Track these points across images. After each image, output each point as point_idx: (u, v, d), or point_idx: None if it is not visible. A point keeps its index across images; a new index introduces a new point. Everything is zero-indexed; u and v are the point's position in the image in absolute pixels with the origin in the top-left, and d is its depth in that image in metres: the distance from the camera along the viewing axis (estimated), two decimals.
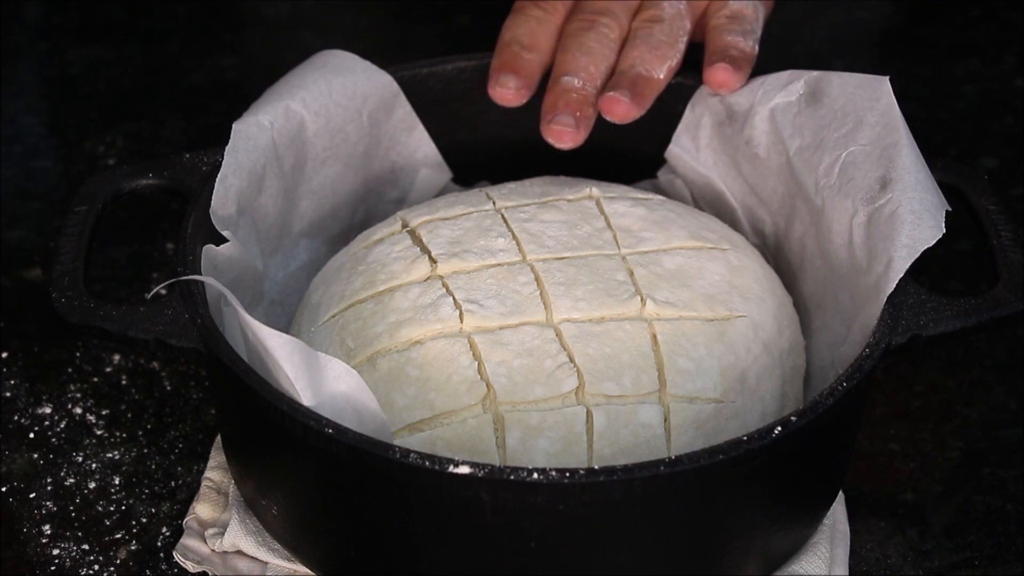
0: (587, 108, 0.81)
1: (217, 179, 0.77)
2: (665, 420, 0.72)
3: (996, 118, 1.10)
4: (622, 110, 0.81)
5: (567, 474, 0.64)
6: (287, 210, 0.83)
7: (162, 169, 0.81)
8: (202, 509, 0.78)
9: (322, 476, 0.69)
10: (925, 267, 0.75)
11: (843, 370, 0.70)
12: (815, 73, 0.81)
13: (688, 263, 0.78)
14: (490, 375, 0.71)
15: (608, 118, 0.81)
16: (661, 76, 0.83)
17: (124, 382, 0.88)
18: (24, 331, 0.90)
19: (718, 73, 0.82)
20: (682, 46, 0.84)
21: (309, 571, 0.75)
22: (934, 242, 0.73)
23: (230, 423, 0.76)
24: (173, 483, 0.82)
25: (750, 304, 0.77)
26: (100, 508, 0.80)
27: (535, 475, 0.64)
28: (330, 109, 0.83)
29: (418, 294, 0.75)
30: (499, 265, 0.77)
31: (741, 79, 0.82)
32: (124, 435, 0.84)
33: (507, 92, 0.83)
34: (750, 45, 0.83)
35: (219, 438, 0.81)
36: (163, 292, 0.86)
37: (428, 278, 0.76)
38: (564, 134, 0.81)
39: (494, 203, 0.81)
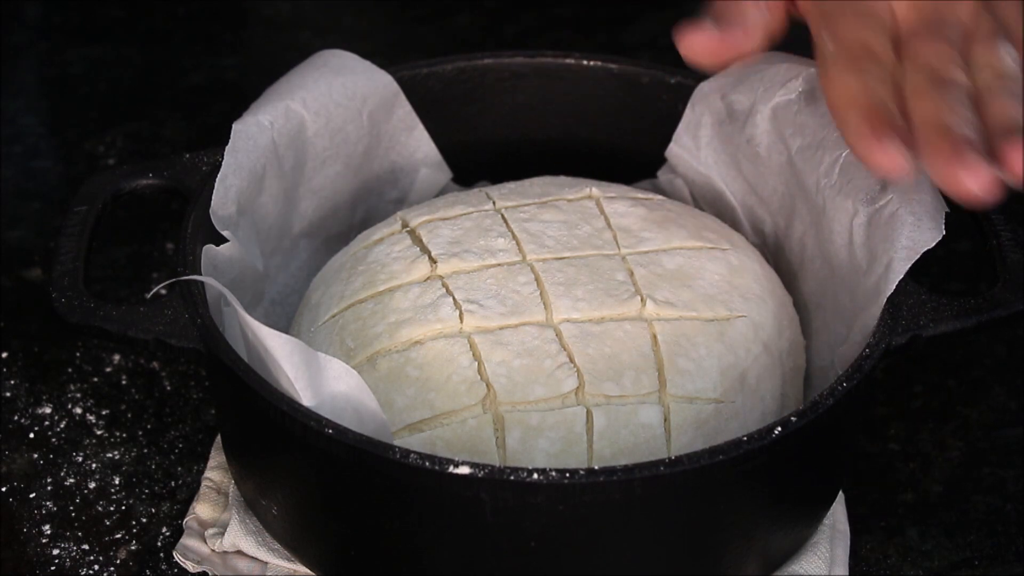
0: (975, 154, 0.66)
1: (217, 179, 0.77)
2: (665, 420, 0.72)
3: None
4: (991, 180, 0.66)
5: (567, 474, 0.64)
6: (287, 210, 0.83)
7: (162, 169, 0.81)
8: (202, 509, 0.78)
9: (322, 476, 0.69)
10: (925, 267, 0.75)
11: (843, 370, 0.70)
12: (812, 69, 0.81)
13: (688, 263, 0.78)
14: (490, 375, 0.71)
15: (1013, 180, 0.66)
16: None
17: (124, 382, 0.88)
18: (24, 331, 0.90)
19: (1014, 157, 0.66)
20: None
21: (309, 571, 0.75)
22: (934, 244, 0.73)
23: (230, 423, 0.76)
24: (173, 483, 0.82)
25: (750, 304, 0.77)
26: (100, 508, 0.80)
27: (535, 475, 0.64)
28: (330, 109, 0.83)
29: (418, 294, 0.75)
30: (499, 265, 0.77)
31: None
32: (124, 435, 0.85)
33: (893, 157, 0.68)
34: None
35: (219, 438, 0.81)
36: (163, 292, 0.86)
37: (428, 278, 0.76)
38: (977, 174, 0.66)
39: (494, 203, 0.81)
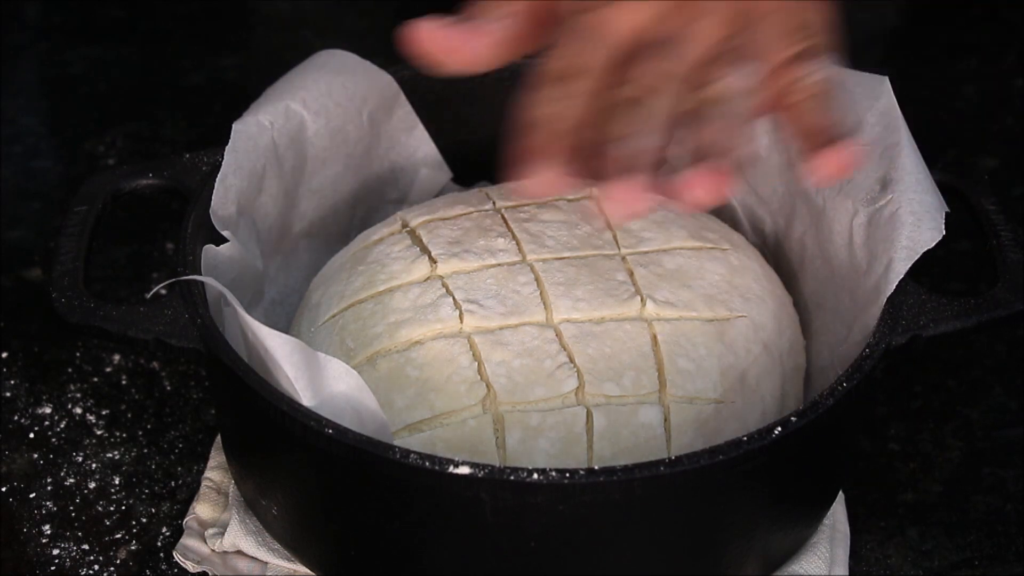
0: (642, 174, 0.67)
1: (217, 179, 0.77)
2: (665, 420, 0.72)
3: (996, 118, 1.10)
4: (702, 194, 0.67)
5: (567, 474, 0.64)
6: (287, 210, 0.83)
7: (162, 169, 0.81)
8: (202, 509, 0.78)
9: (322, 476, 0.69)
10: (925, 267, 0.75)
11: (843, 370, 0.70)
12: None
13: (688, 263, 0.78)
14: (490, 375, 0.71)
15: (687, 202, 0.68)
16: (732, 164, 0.68)
17: (124, 382, 0.88)
18: (24, 331, 0.90)
19: (830, 161, 0.68)
20: (750, 128, 0.70)
21: (309, 571, 0.75)
22: (933, 244, 0.73)
23: (230, 423, 0.76)
24: (173, 483, 0.82)
25: (750, 304, 0.77)
26: (100, 508, 0.80)
27: (535, 475, 0.64)
28: (330, 109, 0.83)
29: (418, 294, 0.75)
30: (499, 265, 0.77)
31: (851, 164, 0.69)
32: (124, 435, 0.85)
33: (549, 181, 0.68)
34: (835, 124, 0.70)
35: (219, 438, 0.81)
36: (163, 292, 0.86)
37: (428, 278, 0.76)
38: (632, 195, 0.67)
39: (494, 203, 0.81)
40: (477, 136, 0.89)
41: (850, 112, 0.71)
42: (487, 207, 0.81)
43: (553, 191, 0.68)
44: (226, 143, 0.77)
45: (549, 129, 0.68)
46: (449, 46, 0.70)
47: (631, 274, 0.76)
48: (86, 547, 0.78)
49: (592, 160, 0.68)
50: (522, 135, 0.68)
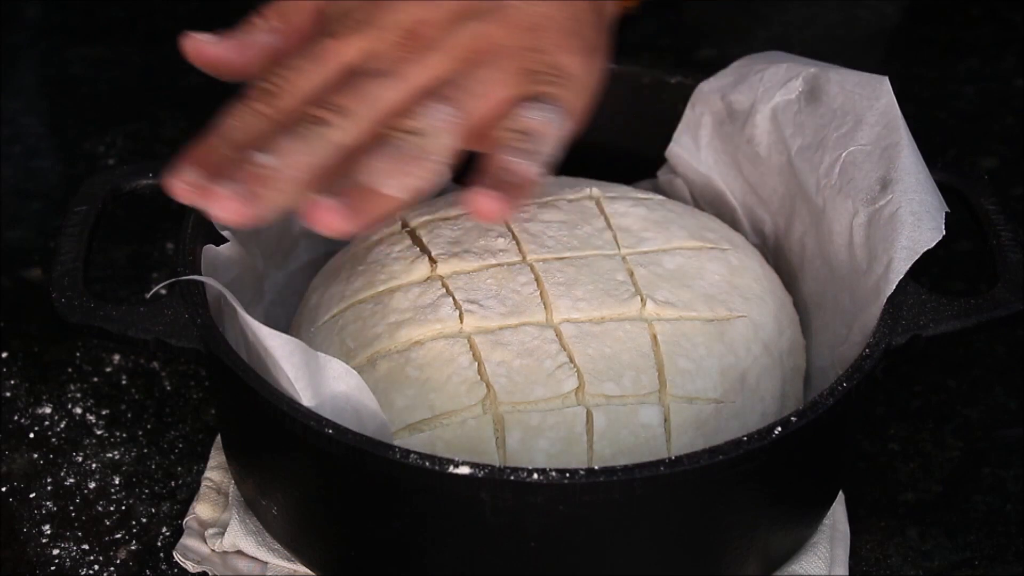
0: (269, 189, 0.65)
1: None
2: (665, 420, 0.72)
3: (996, 118, 1.10)
4: (328, 220, 0.64)
5: (567, 474, 0.64)
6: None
7: (162, 169, 0.81)
8: (202, 509, 0.78)
9: (322, 476, 0.69)
10: (925, 267, 0.75)
11: (843, 370, 0.70)
12: (812, 69, 0.81)
13: (688, 263, 0.78)
14: (490, 375, 0.71)
15: (311, 226, 0.65)
16: (394, 193, 0.66)
17: (124, 382, 0.88)
18: (24, 331, 0.90)
19: (482, 200, 0.67)
20: (436, 165, 0.68)
21: (309, 571, 0.75)
22: (933, 244, 0.73)
23: (230, 423, 0.76)
24: (173, 483, 0.82)
25: (750, 304, 0.77)
26: (100, 508, 0.80)
27: (535, 475, 0.64)
28: None
29: (418, 294, 0.75)
30: (499, 265, 0.77)
31: (510, 210, 0.68)
32: (124, 435, 0.85)
33: (180, 186, 0.65)
34: (534, 170, 0.69)
35: (219, 438, 0.81)
36: (163, 292, 0.86)
37: (428, 278, 0.76)
38: (223, 201, 0.64)
39: None
40: None
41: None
42: None
43: (181, 196, 0.66)
44: None
45: (219, 141, 0.67)
46: (216, 57, 0.73)
47: (631, 274, 0.76)
48: (86, 547, 0.78)
49: (227, 169, 0.66)
50: (198, 138, 0.67)
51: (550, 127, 0.70)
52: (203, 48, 0.73)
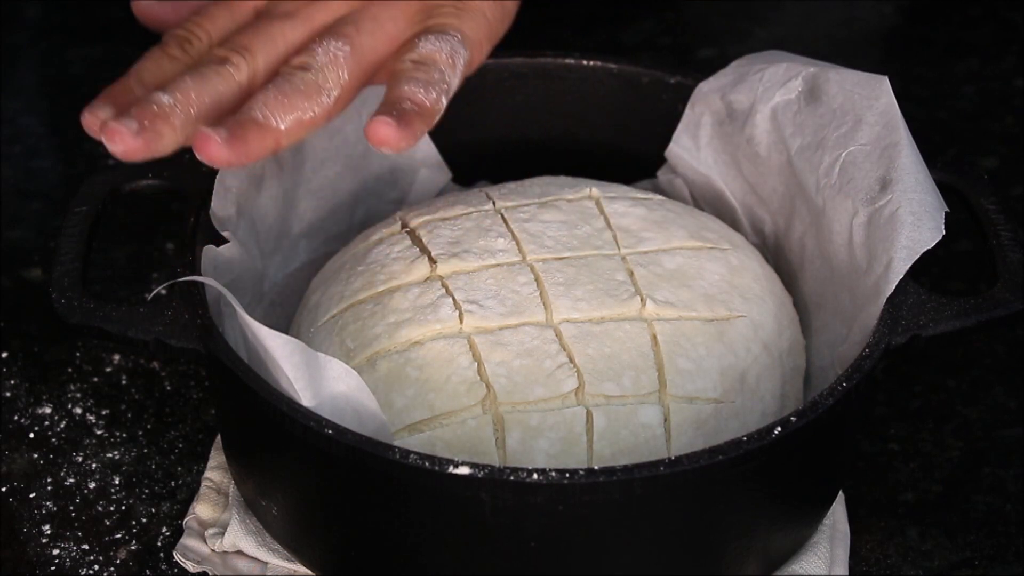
0: (162, 125, 0.69)
1: (216, 180, 0.77)
2: (665, 420, 0.72)
3: (996, 118, 1.10)
4: (213, 150, 0.69)
5: (567, 474, 0.64)
6: (286, 211, 0.83)
7: (162, 169, 0.81)
8: (202, 509, 0.78)
9: (322, 476, 0.69)
10: (925, 267, 0.75)
11: (843, 370, 0.70)
12: (812, 69, 0.81)
13: (688, 263, 0.78)
14: (490, 376, 0.71)
15: (198, 156, 0.70)
16: (282, 127, 0.71)
17: (124, 382, 0.88)
18: (24, 331, 0.90)
19: (377, 128, 0.70)
20: (328, 99, 0.73)
21: (309, 571, 0.75)
22: (933, 244, 0.73)
23: (230, 423, 0.76)
24: (173, 483, 0.82)
25: (750, 304, 0.77)
26: (100, 508, 0.80)
27: (535, 475, 0.64)
28: None
29: (417, 294, 0.75)
30: (499, 265, 0.77)
31: (409, 137, 0.71)
32: (124, 435, 0.85)
33: (95, 121, 0.71)
34: (432, 97, 0.73)
35: (219, 438, 0.81)
36: (163, 292, 0.86)
37: (428, 278, 0.76)
38: (118, 135, 0.69)
39: (494, 203, 0.81)
40: (477, 136, 0.89)
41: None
42: (487, 207, 0.81)
43: (89, 129, 0.72)
44: None
45: (135, 81, 0.73)
46: (158, 16, 0.80)
47: (631, 274, 0.76)
48: (86, 547, 0.78)
49: (130, 107, 0.71)
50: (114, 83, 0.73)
51: (445, 55, 0.74)
52: (147, 8, 0.80)
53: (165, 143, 0.70)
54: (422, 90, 0.72)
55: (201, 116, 0.71)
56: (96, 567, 0.77)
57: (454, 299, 0.74)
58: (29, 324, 0.91)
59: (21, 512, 0.80)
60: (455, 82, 0.75)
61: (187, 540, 0.77)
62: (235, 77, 0.72)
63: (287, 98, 0.71)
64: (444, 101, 0.74)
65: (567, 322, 0.74)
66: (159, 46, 0.75)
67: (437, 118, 0.73)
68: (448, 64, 0.74)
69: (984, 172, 0.81)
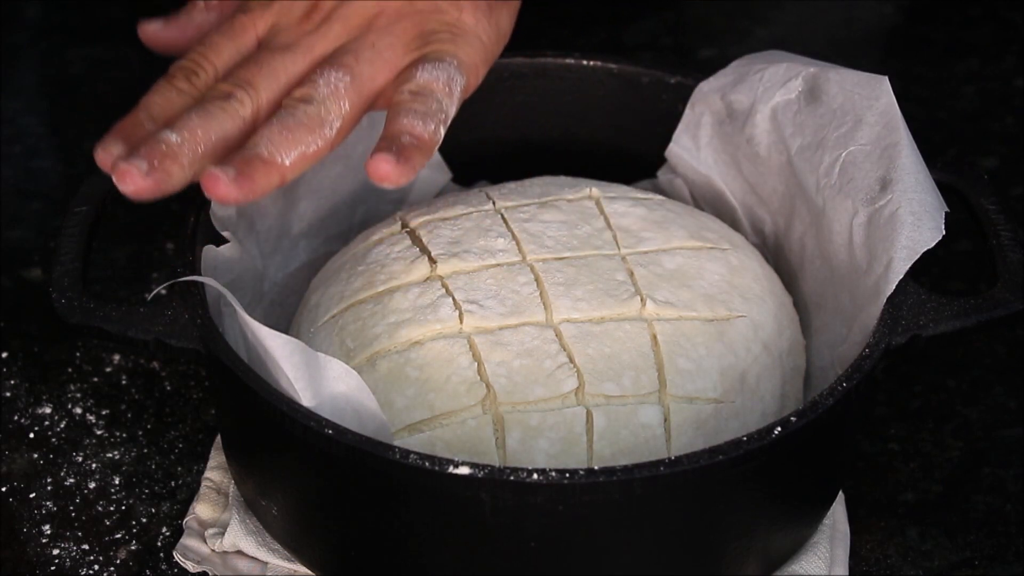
0: (171, 165, 0.70)
1: None
2: (665, 420, 0.72)
3: (996, 118, 1.10)
4: (221, 189, 0.69)
5: (567, 474, 0.64)
6: (286, 211, 0.83)
7: None
8: (202, 509, 0.78)
9: (322, 476, 0.69)
10: (925, 267, 0.75)
11: (843, 370, 0.70)
12: (812, 69, 0.81)
13: (688, 263, 0.78)
14: (490, 376, 0.71)
15: (207, 195, 0.70)
16: (287, 162, 0.72)
17: (124, 382, 0.88)
18: (24, 331, 0.90)
19: (378, 165, 0.71)
20: (331, 131, 0.73)
21: (309, 571, 0.75)
22: (933, 244, 0.73)
23: (230, 423, 0.76)
24: (173, 483, 0.82)
25: (750, 304, 0.77)
26: (100, 508, 0.80)
27: (535, 475, 0.64)
28: None
29: (417, 294, 0.75)
30: (499, 265, 0.77)
31: (409, 172, 0.72)
32: (124, 435, 0.85)
33: (107, 157, 0.71)
34: (431, 129, 0.73)
35: (219, 438, 0.81)
36: (163, 292, 0.86)
37: (428, 278, 0.76)
38: (128, 175, 0.69)
39: (494, 203, 0.81)
40: (477, 136, 0.89)
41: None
42: (487, 207, 0.81)
43: (102, 165, 0.71)
44: None
45: (145, 115, 0.73)
46: (164, 40, 0.80)
47: (631, 274, 0.76)
48: (86, 547, 0.78)
49: (140, 145, 0.71)
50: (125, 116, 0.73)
51: (442, 83, 0.75)
52: (153, 34, 0.81)
53: (174, 182, 0.70)
54: (420, 122, 0.73)
55: (208, 153, 0.71)
56: (96, 567, 0.77)
57: (454, 299, 0.74)
58: (29, 324, 0.91)
59: (21, 512, 0.80)
60: (452, 110, 0.76)
61: (187, 540, 0.77)
62: (240, 113, 0.73)
63: (291, 133, 0.72)
64: (442, 131, 0.74)
65: (567, 322, 0.74)
66: (165, 78, 0.75)
67: (436, 148, 0.74)
68: (445, 92, 0.75)
69: (984, 172, 0.81)
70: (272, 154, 0.71)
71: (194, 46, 0.76)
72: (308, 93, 0.73)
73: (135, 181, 0.69)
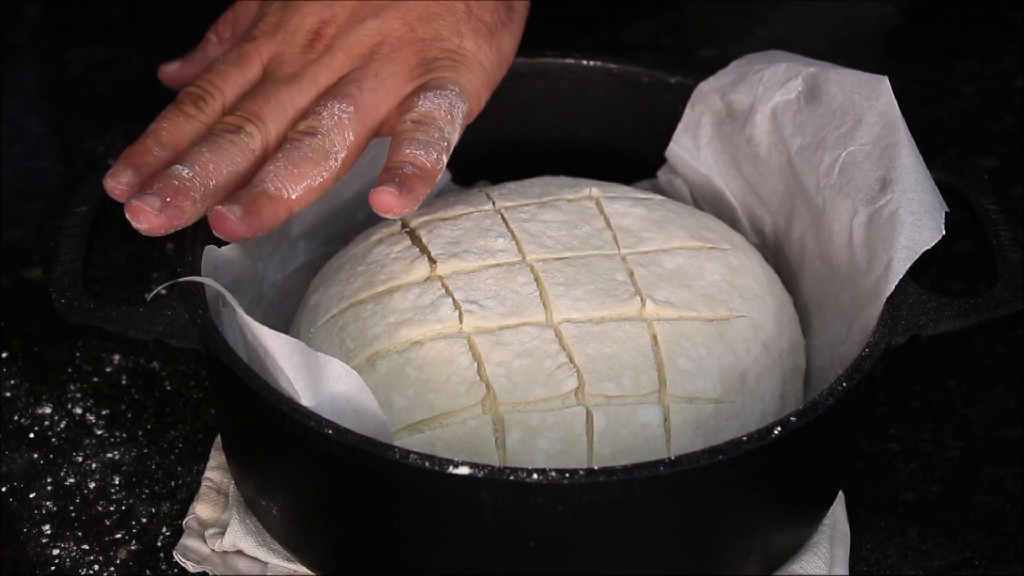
0: (183, 201, 0.72)
1: None
2: (665, 420, 0.72)
3: (996, 118, 1.10)
4: (229, 227, 0.71)
5: (567, 474, 0.64)
6: None
7: None
8: (202, 509, 0.78)
9: (322, 476, 0.69)
10: (925, 267, 0.75)
11: (843, 370, 0.70)
12: (812, 69, 0.81)
13: (688, 263, 0.78)
14: (490, 376, 0.71)
15: (215, 233, 0.72)
16: (294, 196, 0.73)
17: (124, 382, 0.88)
18: (24, 331, 0.90)
19: (381, 197, 0.72)
20: (336, 162, 0.74)
21: (309, 571, 0.75)
22: (933, 244, 0.73)
23: (230, 423, 0.76)
24: (173, 483, 0.82)
25: (750, 304, 0.77)
26: (100, 508, 0.80)
27: (535, 475, 0.64)
28: None
29: (417, 294, 0.75)
30: (499, 265, 0.77)
31: (412, 202, 0.73)
32: (124, 435, 0.85)
33: (117, 186, 0.73)
34: (433, 158, 0.74)
35: (219, 438, 0.81)
36: (163, 292, 0.86)
37: (427, 278, 0.76)
38: (142, 213, 0.71)
39: (494, 203, 0.81)
40: (477, 136, 0.89)
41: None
42: (487, 207, 0.81)
43: (115, 196, 0.74)
44: None
45: (153, 141, 0.75)
46: (183, 78, 0.83)
47: (631, 274, 0.76)
48: (86, 547, 0.78)
49: (152, 180, 0.73)
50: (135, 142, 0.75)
51: (444, 111, 0.76)
52: (171, 75, 0.84)
53: (187, 218, 0.72)
54: (423, 152, 0.74)
55: (220, 187, 0.73)
56: (96, 567, 0.77)
57: (454, 299, 0.74)
58: (29, 324, 0.91)
59: (21, 512, 0.80)
60: (455, 137, 0.76)
61: (187, 540, 0.77)
62: (250, 146, 0.74)
63: (296, 167, 0.73)
64: (444, 159, 0.75)
65: (567, 322, 0.74)
66: (174, 104, 0.76)
67: (439, 177, 0.75)
68: (447, 120, 0.76)
69: (984, 172, 0.81)
70: (279, 189, 0.73)
71: (202, 73, 0.78)
72: (313, 126, 0.74)
73: (149, 219, 0.71)
